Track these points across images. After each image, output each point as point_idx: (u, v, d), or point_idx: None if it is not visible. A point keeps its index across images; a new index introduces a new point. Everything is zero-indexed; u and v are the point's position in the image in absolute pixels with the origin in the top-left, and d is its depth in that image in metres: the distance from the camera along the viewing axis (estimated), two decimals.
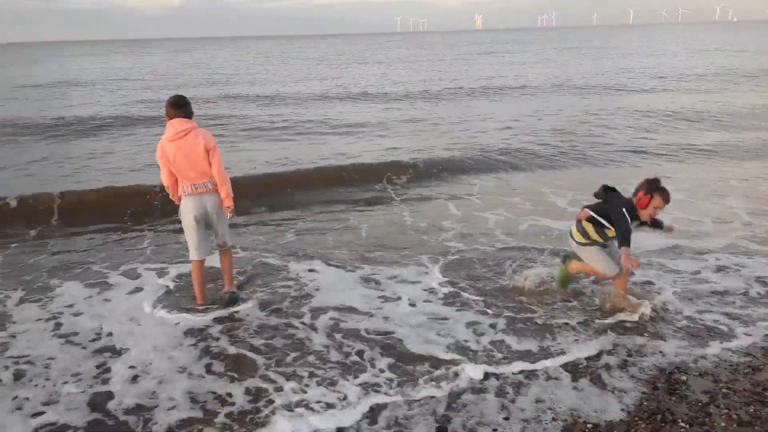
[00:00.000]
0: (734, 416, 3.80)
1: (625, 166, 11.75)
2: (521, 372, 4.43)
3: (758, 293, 5.69)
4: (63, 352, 4.93)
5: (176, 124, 5.22)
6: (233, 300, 5.70)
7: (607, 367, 4.47)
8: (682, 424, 3.74)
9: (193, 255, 5.53)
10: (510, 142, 13.64)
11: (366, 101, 22.21)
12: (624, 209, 4.97)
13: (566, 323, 5.17)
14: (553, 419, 3.86)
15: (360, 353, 4.77)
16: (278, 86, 28.55)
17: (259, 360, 4.71)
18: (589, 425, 3.78)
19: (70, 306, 5.78)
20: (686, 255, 6.72)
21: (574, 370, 4.45)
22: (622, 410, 3.93)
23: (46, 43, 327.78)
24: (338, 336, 5.07)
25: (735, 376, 4.27)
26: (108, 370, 4.63)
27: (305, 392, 4.24)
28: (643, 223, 5.25)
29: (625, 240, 4.88)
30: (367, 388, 4.28)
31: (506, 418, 3.89)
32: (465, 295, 5.83)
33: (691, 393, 4.09)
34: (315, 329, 5.22)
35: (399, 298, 5.81)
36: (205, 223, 5.52)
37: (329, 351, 4.83)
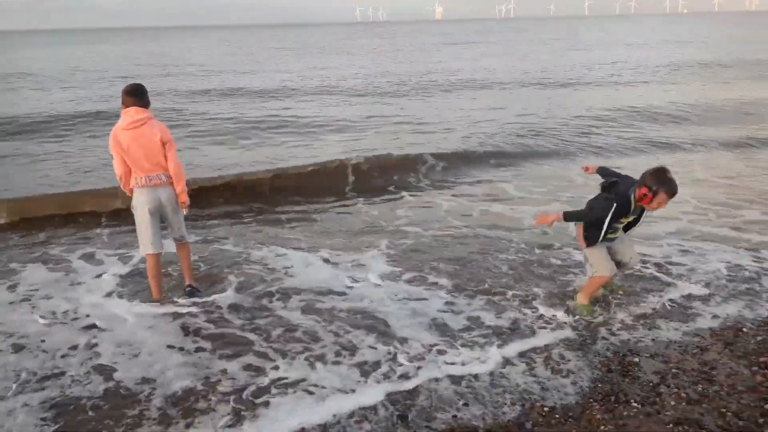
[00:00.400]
0: (683, 395, 3.93)
1: (566, 159, 11.90)
2: (479, 357, 4.49)
3: (709, 278, 5.84)
4: (51, 329, 5.07)
5: (132, 113, 5.06)
6: (194, 293, 5.61)
7: (563, 351, 4.56)
8: (635, 405, 3.85)
9: (148, 249, 5.36)
10: (470, 130, 13.72)
11: (330, 95, 21.70)
12: (614, 207, 4.63)
13: (524, 308, 5.26)
14: (512, 403, 3.93)
15: (346, 333, 4.90)
16: (238, 78, 27.83)
17: (250, 338, 4.86)
18: (546, 408, 3.86)
19: (37, 289, 5.85)
20: (646, 240, 6.88)
21: (531, 354, 4.52)
22: (577, 393, 4.02)
23: (16, 33, 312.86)
24: (319, 316, 5.21)
25: (684, 357, 4.41)
26: (99, 346, 4.77)
27: (301, 370, 4.38)
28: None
29: (568, 219, 4.85)
30: (361, 367, 4.41)
31: (465, 404, 3.94)
32: (430, 278, 5.97)
33: (643, 374, 4.21)
34: (295, 310, 5.35)
35: (367, 280, 5.95)
36: (159, 216, 5.39)
37: (316, 331, 4.96)
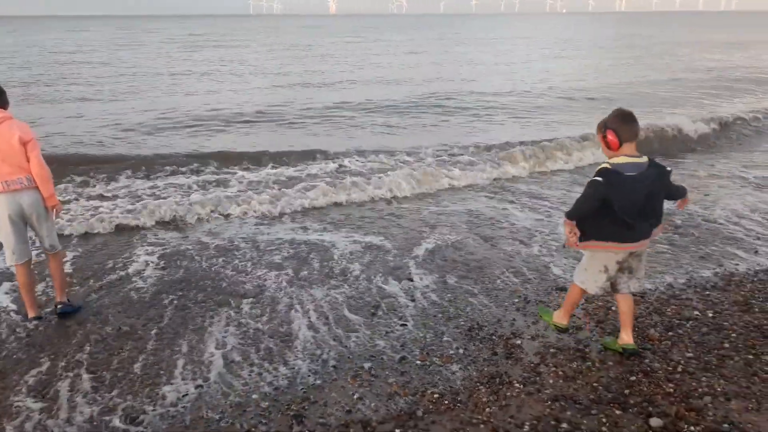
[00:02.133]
0: (560, 373, 4.22)
1: None
2: (369, 348, 4.60)
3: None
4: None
5: None
6: (66, 313, 5.17)
7: (452, 336, 4.76)
8: (517, 385, 4.09)
9: (11, 259, 4.98)
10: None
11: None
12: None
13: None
14: (404, 393, 4.04)
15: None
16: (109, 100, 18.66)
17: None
18: (435, 395, 4.01)
19: None
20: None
21: (422, 344, 4.68)
22: (465, 378, 4.21)
23: None
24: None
25: (561, 336, 4.74)
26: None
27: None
28: None
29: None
30: None
31: (360, 398, 4.01)
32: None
33: (524, 355, 4.48)
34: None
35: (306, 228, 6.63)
36: (23, 223, 5.02)
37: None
